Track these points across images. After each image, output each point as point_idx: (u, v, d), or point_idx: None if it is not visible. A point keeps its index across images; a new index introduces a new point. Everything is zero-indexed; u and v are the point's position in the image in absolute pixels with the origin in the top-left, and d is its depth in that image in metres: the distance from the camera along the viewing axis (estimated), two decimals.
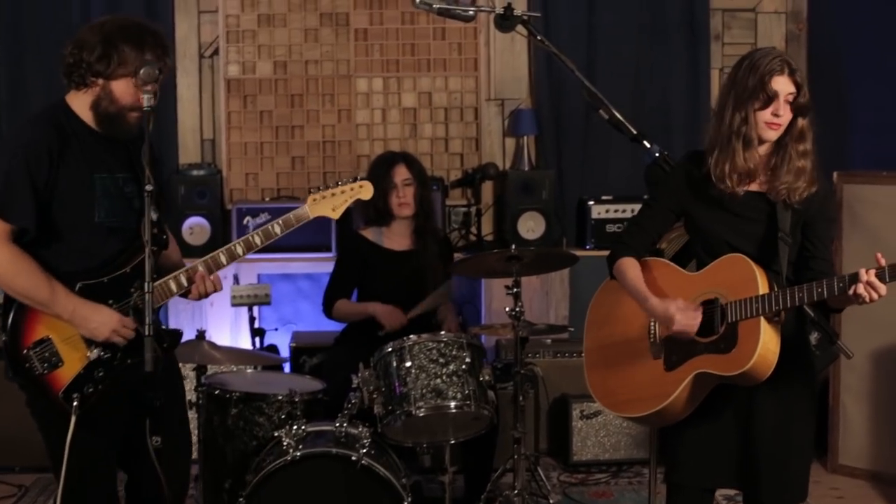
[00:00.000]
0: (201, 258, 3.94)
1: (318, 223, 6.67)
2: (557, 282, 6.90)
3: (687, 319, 3.84)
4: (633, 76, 7.26)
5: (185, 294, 3.94)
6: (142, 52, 3.71)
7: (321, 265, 6.65)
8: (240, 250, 3.91)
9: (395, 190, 5.70)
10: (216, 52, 7.04)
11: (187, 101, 7.04)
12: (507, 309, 5.05)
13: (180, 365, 4.23)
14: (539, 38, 4.53)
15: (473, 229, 7.07)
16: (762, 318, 3.72)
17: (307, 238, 6.57)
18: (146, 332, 3.44)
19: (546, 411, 6.48)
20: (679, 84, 7.29)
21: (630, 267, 4.02)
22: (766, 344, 3.72)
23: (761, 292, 3.73)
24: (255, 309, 6.28)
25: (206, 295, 3.96)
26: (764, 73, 3.75)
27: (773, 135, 3.81)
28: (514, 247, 5.07)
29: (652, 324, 4.00)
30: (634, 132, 4.30)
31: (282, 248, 6.43)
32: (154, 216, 3.68)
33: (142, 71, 3.56)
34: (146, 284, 3.46)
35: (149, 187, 3.51)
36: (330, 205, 4.06)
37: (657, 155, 4.26)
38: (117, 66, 3.72)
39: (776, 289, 3.75)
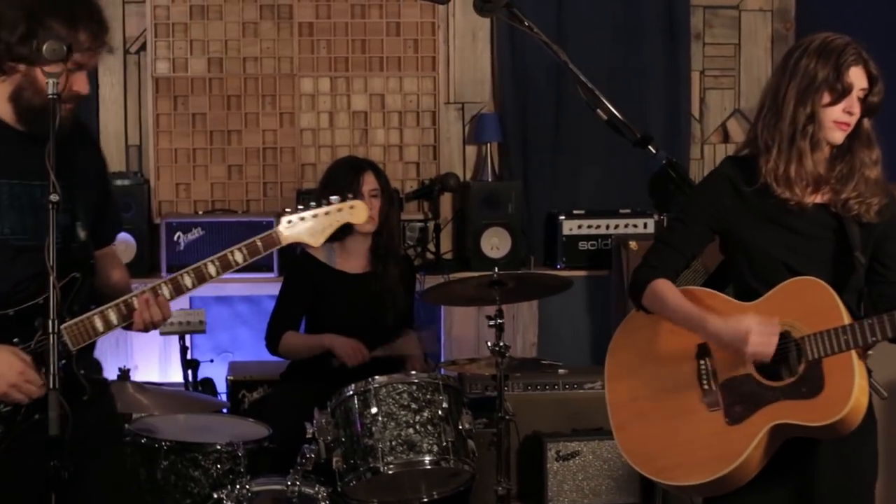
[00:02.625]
0: (140, 289, 3.26)
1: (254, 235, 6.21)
2: (525, 304, 6.41)
3: (764, 337, 3.20)
4: (606, 78, 6.73)
5: (128, 326, 3.25)
6: (75, 31, 3.08)
7: (262, 286, 6.16)
8: (188, 281, 3.23)
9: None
10: (143, 47, 6.55)
11: (110, 101, 6.55)
12: (489, 343, 4.40)
13: None
14: (527, 24, 4.08)
15: (431, 246, 6.59)
16: (854, 354, 3.15)
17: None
18: (51, 385, 2.67)
19: (516, 450, 5.87)
20: (657, 87, 6.86)
21: (668, 288, 3.40)
22: (862, 386, 3.16)
23: (846, 322, 3.16)
24: (188, 338, 5.70)
25: (154, 324, 3.25)
26: (840, 63, 3.22)
27: (840, 136, 3.28)
28: (496, 270, 4.43)
29: (703, 365, 3.35)
30: (638, 135, 3.86)
31: None
32: (82, 235, 3.15)
33: (45, 46, 2.82)
34: (50, 323, 2.70)
35: (54, 197, 2.78)
36: (309, 229, 3.35)
37: (664, 162, 3.80)
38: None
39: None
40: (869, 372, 3.41)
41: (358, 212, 3.41)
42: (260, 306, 6.20)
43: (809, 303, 3.23)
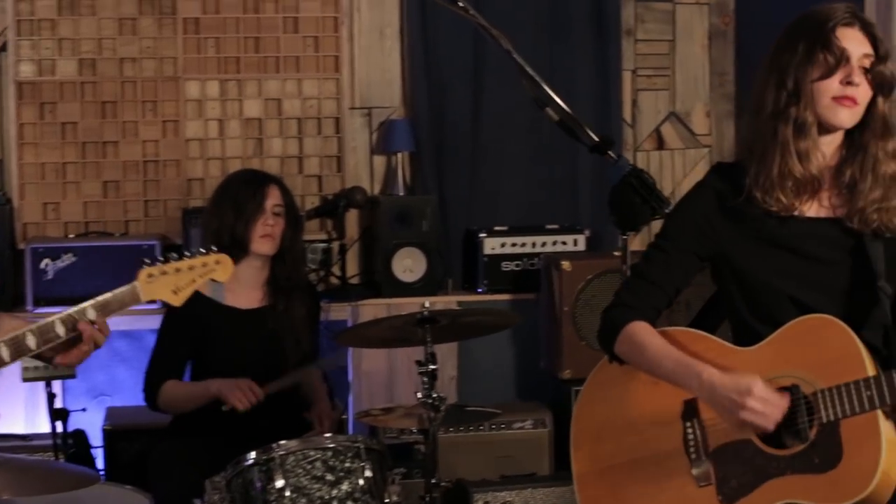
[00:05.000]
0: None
1: (137, 261, 5.68)
2: None
3: (766, 405, 2.67)
4: None
5: (48, 359, 3.06)
6: None
7: (143, 320, 5.59)
8: (31, 343, 2.94)
9: (262, 217, 4.48)
10: (3, 47, 6.09)
11: None
12: (419, 395, 3.74)
13: None
14: (462, 4, 3.64)
15: (336, 270, 6.13)
16: (880, 416, 2.59)
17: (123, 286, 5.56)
18: None
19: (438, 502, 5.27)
20: (584, 87, 6.45)
21: (647, 333, 2.86)
22: (892, 456, 2.59)
23: (870, 374, 2.60)
24: (56, 383, 5.09)
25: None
26: (826, 27, 2.71)
27: (846, 116, 2.74)
28: (426, 304, 3.79)
29: (690, 429, 2.79)
30: (596, 139, 3.51)
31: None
32: None
33: None
34: None
35: None
36: (171, 285, 3.14)
37: (627, 171, 3.35)
38: None
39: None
40: None
41: (223, 268, 3.23)
42: (141, 342, 5.67)
43: (823, 348, 2.69)
